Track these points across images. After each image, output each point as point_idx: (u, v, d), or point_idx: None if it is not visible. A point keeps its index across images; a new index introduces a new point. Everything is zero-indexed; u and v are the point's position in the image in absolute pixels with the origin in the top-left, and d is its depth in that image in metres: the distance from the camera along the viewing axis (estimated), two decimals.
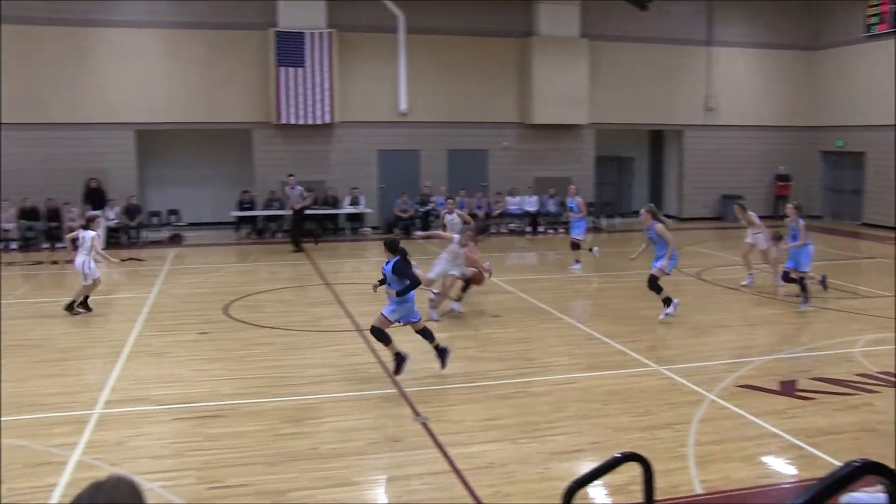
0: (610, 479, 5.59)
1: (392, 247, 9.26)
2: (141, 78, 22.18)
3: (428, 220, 23.23)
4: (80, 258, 12.87)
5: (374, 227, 23.71)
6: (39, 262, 18.77)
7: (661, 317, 12.14)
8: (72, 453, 7.07)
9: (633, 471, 3.88)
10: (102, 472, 6.57)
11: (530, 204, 24.39)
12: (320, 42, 22.51)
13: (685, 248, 16.22)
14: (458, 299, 12.68)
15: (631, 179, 29.01)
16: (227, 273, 17.05)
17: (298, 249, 19.79)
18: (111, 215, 21.50)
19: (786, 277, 13.38)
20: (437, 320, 11.92)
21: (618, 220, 26.08)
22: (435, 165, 24.41)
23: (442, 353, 9.45)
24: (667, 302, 12.16)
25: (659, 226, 12.11)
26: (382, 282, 9.47)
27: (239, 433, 7.54)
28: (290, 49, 22.31)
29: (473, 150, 24.70)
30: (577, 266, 16.89)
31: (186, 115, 22.46)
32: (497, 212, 23.95)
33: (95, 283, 13.00)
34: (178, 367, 9.92)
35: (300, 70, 22.40)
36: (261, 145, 23.19)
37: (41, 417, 8.06)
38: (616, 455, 3.70)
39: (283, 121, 22.50)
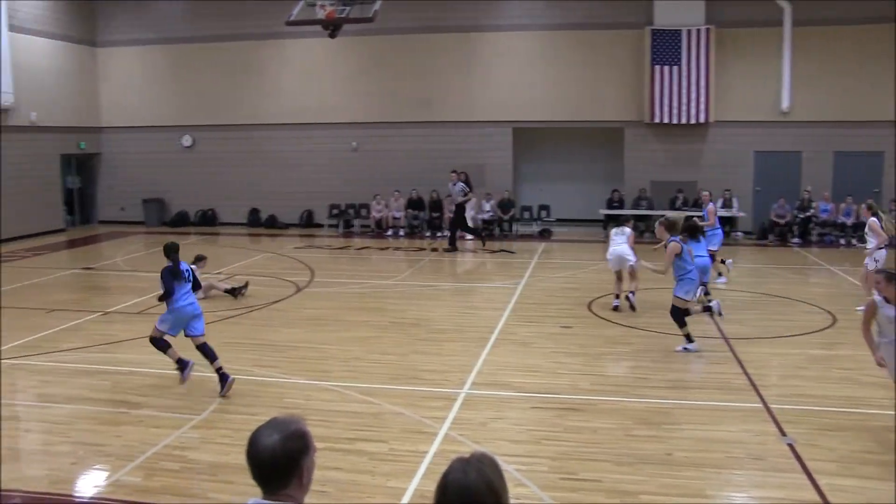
0: None
1: (165, 251, 8.69)
2: (520, 78, 23.30)
3: (808, 228, 21.57)
4: None
5: (746, 232, 22.56)
6: (421, 249, 20.54)
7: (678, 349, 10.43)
8: (441, 426, 7.64)
9: None
10: (465, 447, 7.01)
11: None
12: (697, 39, 21.89)
13: None
14: None
15: None
16: (593, 270, 17.27)
17: (453, 248, 19.73)
18: (486, 207, 22.93)
19: None
20: None
21: None
22: (818, 168, 22.50)
23: (223, 379, 8.53)
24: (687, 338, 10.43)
25: (672, 244, 10.28)
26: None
27: (594, 429, 7.60)
28: (666, 47, 21.99)
29: (865, 152, 22.34)
30: (722, 280, 15.15)
31: (561, 113, 23.15)
32: None
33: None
34: (540, 357, 10.26)
35: (675, 68, 21.99)
36: (632, 144, 23.16)
37: (417, 390, 8.81)
38: None
39: (657, 120, 22.26)
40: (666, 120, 22.20)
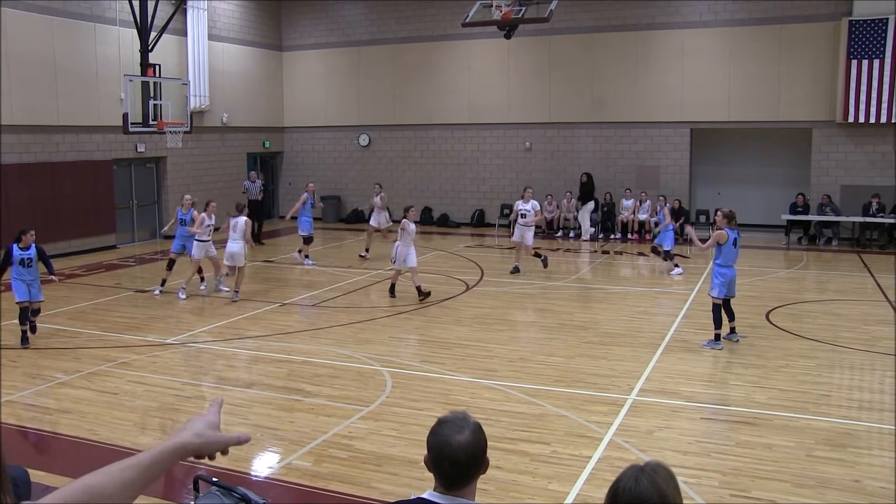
0: None
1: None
2: (699, 77, 22.40)
3: None
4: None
5: None
6: (593, 252, 20.17)
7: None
8: (606, 432, 7.45)
9: None
10: (631, 454, 6.80)
11: None
12: None
13: None
14: None
15: None
16: (773, 278, 16.40)
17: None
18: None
19: None
20: None
21: None
22: None
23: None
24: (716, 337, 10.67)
25: None
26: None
27: (769, 445, 7.17)
28: (866, 39, 20.41)
29: None
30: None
31: (742, 113, 22.08)
32: None
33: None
34: (712, 367, 9.84)
35: (876, 62, 20.36)
36: (820, 146, 21.73)
37: (582, 394, 8.64)
38: None
39: (851, 119, 20.69)
40: (862, 119, 20.60)
